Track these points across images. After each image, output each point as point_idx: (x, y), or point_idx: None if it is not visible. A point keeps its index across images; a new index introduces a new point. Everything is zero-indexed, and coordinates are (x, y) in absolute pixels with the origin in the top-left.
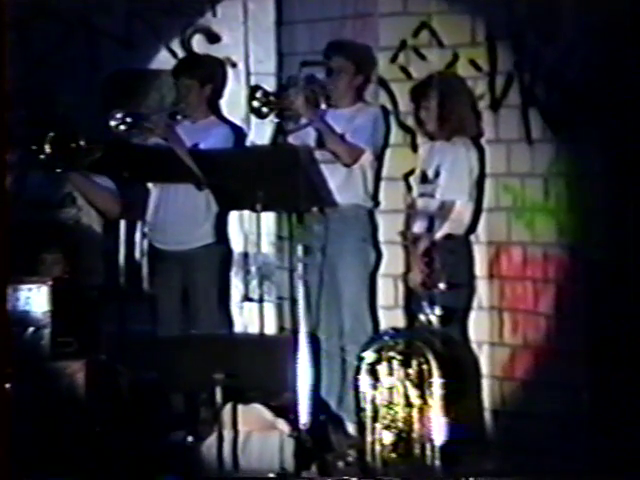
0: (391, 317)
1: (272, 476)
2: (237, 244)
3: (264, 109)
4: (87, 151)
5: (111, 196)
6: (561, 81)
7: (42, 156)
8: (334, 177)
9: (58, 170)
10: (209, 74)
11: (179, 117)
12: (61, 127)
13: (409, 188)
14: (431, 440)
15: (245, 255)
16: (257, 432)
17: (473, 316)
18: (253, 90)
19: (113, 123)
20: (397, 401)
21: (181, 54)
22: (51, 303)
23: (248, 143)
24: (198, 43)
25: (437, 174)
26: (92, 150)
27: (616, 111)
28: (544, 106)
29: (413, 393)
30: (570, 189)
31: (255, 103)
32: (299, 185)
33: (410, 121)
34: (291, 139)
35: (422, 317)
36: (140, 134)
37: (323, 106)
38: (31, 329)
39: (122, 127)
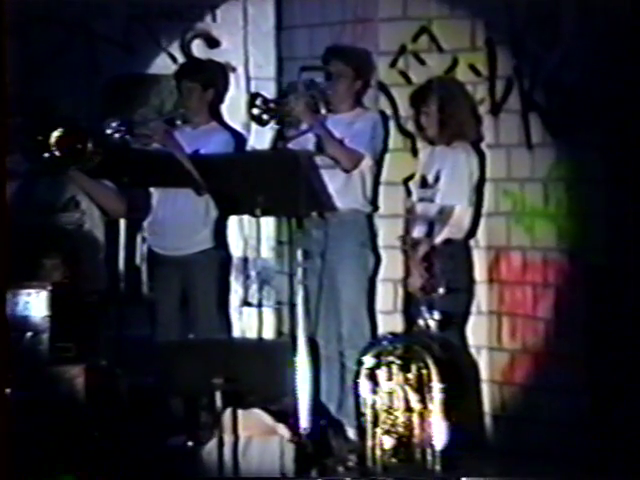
0: (390, 322)
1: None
2: (237, 249)
3: (264, 116)
4: (92, 154)
5: (116, 194)
6: (561, 86)
7: (46, 154)
8: (333, 182)
9: (68, 168)
10: (211, 78)
11: (179, 122)
12: (66, 128)
13: (409, 193)
14: (431, 445)
15: (245, 260)
16: (257, 437)
17: (472, 321)
18: (253, 98)
19: (109, 131)
20: (397, 406)
21: (181, 59)
22: (50, 308)
23: (248, 148)
24: (198, 48)
25: (437, 179)
26: (96, 153)
27: (616, 116)
28: (544, 111)
29: (413, 398)
30: (570, 194)
31: (255, 111)
32: (299, 190)
33: (410, 126)
34: (291, 144)
35: (421, 322)
36: (138, 141)
37: (323, 111)
38: (30, 334)
39: (118, 135)
